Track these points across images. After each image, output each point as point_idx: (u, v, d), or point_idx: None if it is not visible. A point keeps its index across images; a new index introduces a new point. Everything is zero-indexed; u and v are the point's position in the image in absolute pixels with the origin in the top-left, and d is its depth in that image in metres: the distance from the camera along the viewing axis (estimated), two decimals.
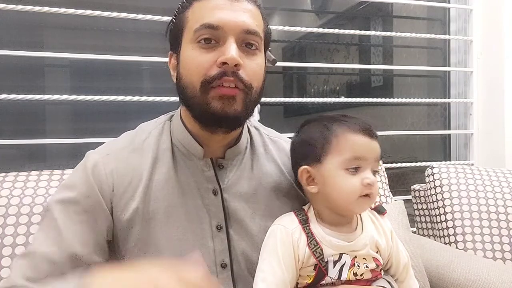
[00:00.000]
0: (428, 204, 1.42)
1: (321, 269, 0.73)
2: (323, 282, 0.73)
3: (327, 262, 0.73)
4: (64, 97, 1.41)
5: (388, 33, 2.18)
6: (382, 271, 0.79)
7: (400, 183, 2.15)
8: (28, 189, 1.04)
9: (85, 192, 0.75)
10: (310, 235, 0.74)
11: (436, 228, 1.37)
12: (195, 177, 0.79)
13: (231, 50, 0.70)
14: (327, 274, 0.73)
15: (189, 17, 0.74)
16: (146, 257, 0.75)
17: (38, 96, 1.39)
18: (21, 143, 1.40)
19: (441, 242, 1.34)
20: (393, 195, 1.41)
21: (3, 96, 1.34)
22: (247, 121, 0.84)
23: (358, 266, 0.74)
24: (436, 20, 2.21)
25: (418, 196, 1.48)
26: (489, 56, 1.90)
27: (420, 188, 1.48)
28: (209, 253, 0.76)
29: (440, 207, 1.36)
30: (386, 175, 1.43)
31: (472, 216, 1.31)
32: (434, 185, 1.40)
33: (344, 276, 0.73)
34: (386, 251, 0.78)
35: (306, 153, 0.77)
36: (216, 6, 0.72)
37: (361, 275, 0.74)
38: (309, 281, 0.74)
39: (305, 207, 0.80)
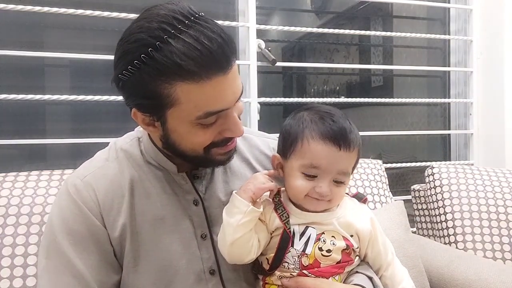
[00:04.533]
0: (428, 204, 1.42)
1: (286, 232, 0.75)
2: (286, 261, 0.75)
3: (293, 233, 0.75)
4: (64, 97, 1.41)
5: (388, 33, 2.19)
6: (357, 258, 0.79)
7: (400, 183, 2.15)
8: (28, 189, 1.04)
9: (78, 216, 0.75)
10: (278, 203, 0.78)
11: (436, 228, 1.37)
12: (174, 190, 0.80)
13: (238, 125, 0.72)
14: (293, 245, 0.75)
15: (180, 97, 0.66)
16: (138, 271, 0.76)
17: (38, 96, 1.39)
18: (21, 143, 1.40)
19: (441, 242, 1.34)
20: (393, 195, 1.41)
21: (3, 96, 1.34)
22: None
23: (324, 241, 0.75)
24: (436, 20, 2.21)
25: (418, 196, 1.48)
26: (489, 56, 1.90)
27: (420, 188, 1.48)
28: (197, 262, 0.78)
29: (440, 207, 1.36)
30: (386, 175, 1.43)
31: (472, 216, 1.31)
32: (434, 185, 1.40)
33: (309, 250, 0.74)
34: (366, 236, 0.78)
35: (280, 144, 0.81)
36: (216, 90, 0.67)
37: (327, 251, 0.75)
38: (273, 254, 0.76)
39: (282, 188, 0.82)
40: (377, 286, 0.78)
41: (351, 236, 0.77)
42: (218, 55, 0.65)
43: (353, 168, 0.79)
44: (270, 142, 0.92)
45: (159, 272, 0.77)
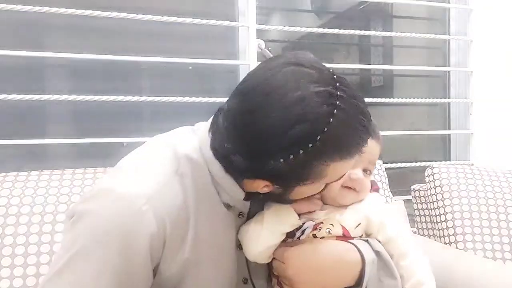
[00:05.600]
0: (428, 204, 1.42)
1: None
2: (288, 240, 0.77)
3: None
4: (64, 97, 1.41)
5: (388, 33, 2.18)
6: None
7: (400, 183, 2.15)
8: (28, 189, 1.04)
9: (131, 262, 0.63)
10: None
11: (436, 228, 1.37)
12: (228, 209, 0.74)
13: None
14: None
15: (326, 174, 0.63)
16: None
17: (38, 96, 1.39)
18: (21, 143, 1.40)
19: (441, 242, 1.34)
20: (393, 195, 1.41)
21: (3, 96, 1.34)
22: None
23: (320, 229, 0.75)
24: (436, 20, 2.20)
25: (418, 196, 1.48)
26: (489, 56, 1.90)
27: (420, 188, 1.47)
28: (235, 274, 0.77)
29: (440, 207, 1.36)
30: (386, 175, 1.43)
31: (472, 216, 1.31)
32: (434, 185, 1.40)
33: (304, 237, 0.76)
34: (375, 220, 0.77)
35: None
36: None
37: (320, 238, 0.75)
38: None
39: None
40: (374, 246, 0.75)
41: (357, 226, 0.76)
42: (369, 129, 0.64)
43: None
44: None
45: None
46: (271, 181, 0.65)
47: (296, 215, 0.74)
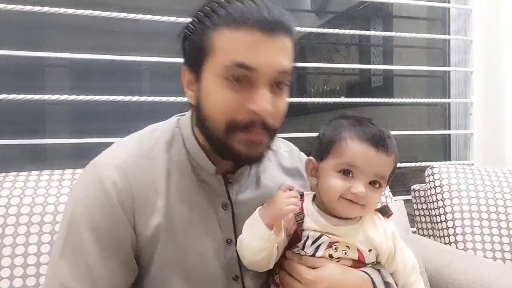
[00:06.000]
0: (428, 204, 1.42)
1: (297, 234, 0.75)
2: (301, 252, 0.76)
3: (307, 237, 0.75)
4: (64, 97, 1.41)
5: (388, 33, 2.18)
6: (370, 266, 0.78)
7: (400, 183, 2.15)
8: (28, 189, 1.04)
9: (110, 215, 0.70)
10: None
11: (436, 228, 1.37)
12: (207, 192, 0.77)
13: (265, 101, 0.67)
14: (304, 248, 0.75)
15: (216, 43, 0.67)
16: (172, 274, 0.74)
17: (38, 96, 1.39)
18: (21, 143, 1.40)
19: (441, 242, 1.34)
20: (393, 195, 1.41)
21: (3, 96, 1.34)
22: None
23: (336, 249, 0.74)
24: (436, 20, 2.20)
25: (418, 196, 1.48)
26: (489, 56, 1.90)
27: (420, 188, 1.48)
28: (221, 267, 0.77)
29: (440, 207, 1.36)
30: None
31: (472, 216, 1.31)
32: (434, 185, 1.40)
33: (319, 254, 0.74)
34: (385, 252, 0.78)
35: (316, 147, 0.79)
36: (251, 43, 0.66)
37: (337, 259, 0.74)
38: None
39: (306, 192, 0.81)
40: (385, 277, 0.76)
41: (370, 250, 0.76)
42: (264, 14, 0.66)
43: (390, 176, 0.78)
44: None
45: (189, 276, 0.74)
46: (185, 61, 0.73)
47: (267, 230, 0.71)
